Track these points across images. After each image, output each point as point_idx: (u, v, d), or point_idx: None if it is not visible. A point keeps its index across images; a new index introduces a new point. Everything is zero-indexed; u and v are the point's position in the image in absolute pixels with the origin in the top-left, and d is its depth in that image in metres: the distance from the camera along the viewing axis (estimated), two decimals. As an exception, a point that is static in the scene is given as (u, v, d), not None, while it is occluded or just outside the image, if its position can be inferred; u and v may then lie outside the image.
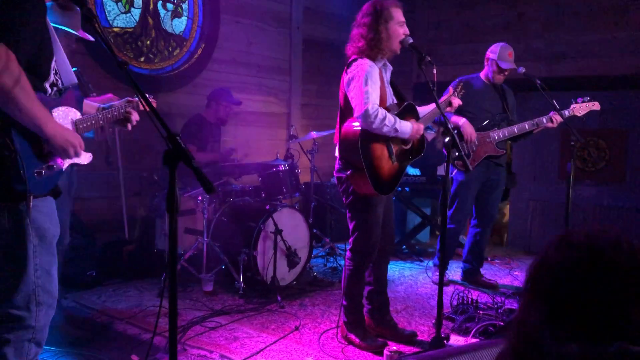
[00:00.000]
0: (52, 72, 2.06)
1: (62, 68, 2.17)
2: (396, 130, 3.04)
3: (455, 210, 4.48)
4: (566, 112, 4.23)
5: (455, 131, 4.27)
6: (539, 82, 4.11)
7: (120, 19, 4.80)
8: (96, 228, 4.57)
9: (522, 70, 4.20)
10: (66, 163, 2.13)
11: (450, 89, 3.67)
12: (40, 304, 2.03)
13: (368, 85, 2.97)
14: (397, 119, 3.05)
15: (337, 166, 3.21)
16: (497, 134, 4.30)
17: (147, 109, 1.68)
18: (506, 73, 4.38)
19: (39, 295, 2.02)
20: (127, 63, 1.86)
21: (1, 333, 1.97)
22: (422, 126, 3.21)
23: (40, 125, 1.86)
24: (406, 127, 3.09)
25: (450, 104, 3.47)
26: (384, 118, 2.96)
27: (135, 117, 2.47)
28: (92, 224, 4.53)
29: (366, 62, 3.04)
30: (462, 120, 4.25)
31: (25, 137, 1.89)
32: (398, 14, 3.10)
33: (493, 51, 4.37)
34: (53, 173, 2.03)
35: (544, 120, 4.24)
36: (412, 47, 3.07)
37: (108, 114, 2.38)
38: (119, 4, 4.79)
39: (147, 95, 2.87)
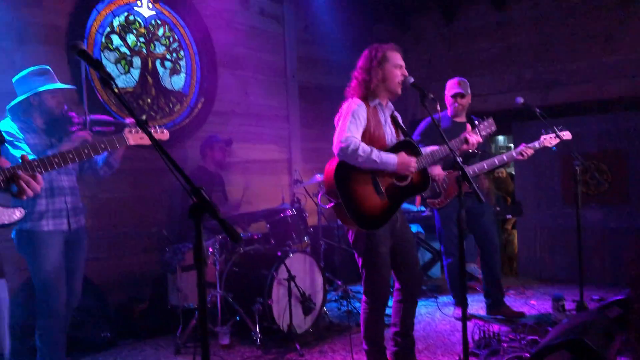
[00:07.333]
0: None
1: None
2: (374, 161, 2.98)
3: (445, 242, 4.59)
4: (536, 144, 4.31)
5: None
6: (538, 110, 4.18)
7: (120, 79, 4.88)
8: (106, 288, 4.52)
9: (521, 100, 4.25)
10: None
11: (468, 126, 3.48)
12: None
13: (348, 120, 3.02)
14: (375, 150, 3.00)
15: None
16: (467, 171, 4.30)
17: (171, 166, 1.69)
18: (461, 101, 4.50)
19: None
20: (147, 122, 1.91)
21: None
22: (412, 160, 3.09)
23: None
24: (389, 158, 3.03)
25: (466, 141, 3.33)
26: (357, 148, 2.95)
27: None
28: (102, 284, 4.48)
29: (354, 101, 3.12)
30: None
31: None
32: (395, 57, 3.20)
33: (445, 89, 4.61)
34: None
35: (514, 154, 4.31)
36: (414, 85, 3.14)
37: None
38: (119, 65, 4.87)
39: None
